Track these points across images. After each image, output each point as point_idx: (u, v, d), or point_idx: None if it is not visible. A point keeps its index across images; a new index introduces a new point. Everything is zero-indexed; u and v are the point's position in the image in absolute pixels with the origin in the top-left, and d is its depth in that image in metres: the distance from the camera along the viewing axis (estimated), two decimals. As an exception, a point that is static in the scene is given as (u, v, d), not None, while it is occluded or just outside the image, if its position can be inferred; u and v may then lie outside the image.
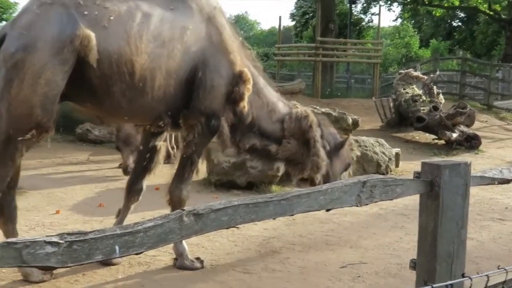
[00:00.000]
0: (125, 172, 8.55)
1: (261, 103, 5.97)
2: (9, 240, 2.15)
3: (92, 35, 4.75)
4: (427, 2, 37.23)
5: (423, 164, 3.27)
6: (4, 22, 42.66)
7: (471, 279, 2.61)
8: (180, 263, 5.70)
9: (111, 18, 4.93)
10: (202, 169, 9.09)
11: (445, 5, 37.69)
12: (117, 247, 2.31)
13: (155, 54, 5.08)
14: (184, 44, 5.28)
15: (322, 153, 6.16)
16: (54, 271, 5.18)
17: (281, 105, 6.17)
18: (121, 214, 6.06)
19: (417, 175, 3.27)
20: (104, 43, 4.84)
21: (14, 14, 41.27)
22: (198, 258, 5.77)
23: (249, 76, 5.65)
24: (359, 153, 10.38)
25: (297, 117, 6.09)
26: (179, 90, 5.32)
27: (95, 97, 5.01)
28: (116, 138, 9.41)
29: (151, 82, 5.10)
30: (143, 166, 6.06)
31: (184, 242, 5.50)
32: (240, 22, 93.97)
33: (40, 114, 4.69)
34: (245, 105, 5.69)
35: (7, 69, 4.57)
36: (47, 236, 2.21)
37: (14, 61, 4.57)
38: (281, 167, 8.27)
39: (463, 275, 3.06)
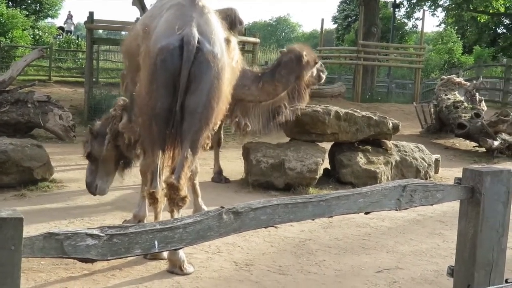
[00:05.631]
0: None
1: None
2: (51, 231, 2.18)
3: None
4: (471, 8, 36.81)
5: (465, 169, 3.23)
6: (49, 19, 43.10)
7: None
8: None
9: None
10: (240, 169, 9.15)
11: (490, 11, 37.24)
12: (156, 242, 2.34)
13: None
14: None
15: None
16: (92, 264, 5.24)
17: None
18: None
19: (458, 181, 3.23)
20: None
21: (59, 11, 41.85)
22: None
23: None
24: (398, 158, 10.33)
25: None
26: None
27: None
28: None
29: None
30: None
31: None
32: (282, 24, 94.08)
33: (229, 104, 5.96)
34: None
35: (217, 70, 5.32)
36: (88, 228, 2.24)
37: (221, 64, 5.37)
38: None
39: (506, 281, 3.04)
